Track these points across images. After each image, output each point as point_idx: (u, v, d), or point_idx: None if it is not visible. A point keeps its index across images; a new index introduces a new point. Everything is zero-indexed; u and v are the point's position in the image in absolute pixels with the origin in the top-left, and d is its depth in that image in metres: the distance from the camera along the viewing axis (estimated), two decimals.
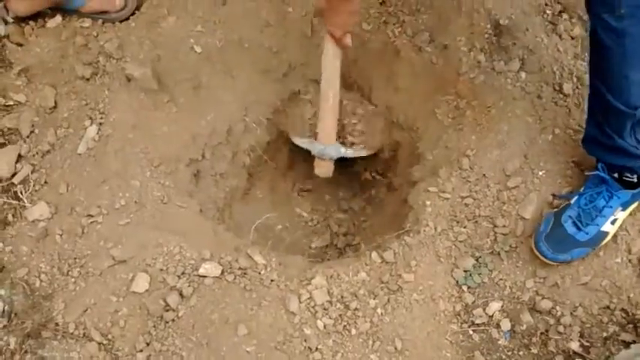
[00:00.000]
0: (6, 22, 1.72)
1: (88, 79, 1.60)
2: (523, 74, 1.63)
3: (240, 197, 1.79)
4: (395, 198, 1.77)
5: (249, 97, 1.76)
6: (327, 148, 1.72)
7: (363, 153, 1.78)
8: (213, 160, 1.69)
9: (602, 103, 1.36)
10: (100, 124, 1.54)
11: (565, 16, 1.76)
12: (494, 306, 1.44)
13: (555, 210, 1.49)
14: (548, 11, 1.77)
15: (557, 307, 1.43)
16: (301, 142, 1.77)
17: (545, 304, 1.43)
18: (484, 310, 1.44)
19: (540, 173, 1.52)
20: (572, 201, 1.47)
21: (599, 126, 1.39)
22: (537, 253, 1.45)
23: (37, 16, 1.72)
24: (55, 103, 1.60)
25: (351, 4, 1.44)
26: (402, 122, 1.75)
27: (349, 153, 1.75)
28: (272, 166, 1.86)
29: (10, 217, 1.48)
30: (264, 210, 1.81)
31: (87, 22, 1.70)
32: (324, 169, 1.76)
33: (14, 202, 1.50)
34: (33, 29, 1.71)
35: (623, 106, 1.32)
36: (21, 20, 1.72)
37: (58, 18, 1.72)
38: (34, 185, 1.51)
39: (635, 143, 1.38)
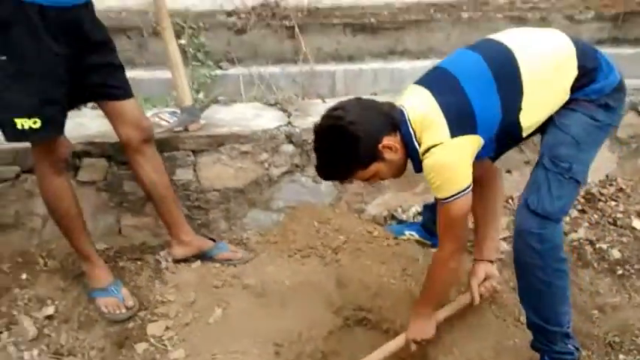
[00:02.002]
0: (167, 260, 2.91)
1: (218, 288, 2.70)
2: None
3: None
4: None
5: None
6: None
7: None
8: None
9: (538, 328, 2.24)
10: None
11: None
12: None
13: None
14: None
15: None
16: None
17: None
18: None
19: None
20: None
21: (540, 343, 2.29)
22: None
23: (185, 260, 2.90)
24: (195, 299, 2.66)
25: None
26: None
27: None
28: None
29: None
30: None
31: (217, 264, 2.87)
32: None
33: None
34: (182, 265, 2.88)
35: (556, 327, 2.20)
36: (175, 261, 2.90)
37: (198, 262, 2.90)
38: None
39: (564, 345, 2.25)
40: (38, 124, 2.20)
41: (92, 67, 2.37)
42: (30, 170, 2.79)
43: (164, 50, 2.98)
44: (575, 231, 3.15)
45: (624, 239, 3.11)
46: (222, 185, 3.05)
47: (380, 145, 2.01)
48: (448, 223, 2.10)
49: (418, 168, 2.12)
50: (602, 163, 3.53)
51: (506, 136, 2.16)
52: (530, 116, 2.11)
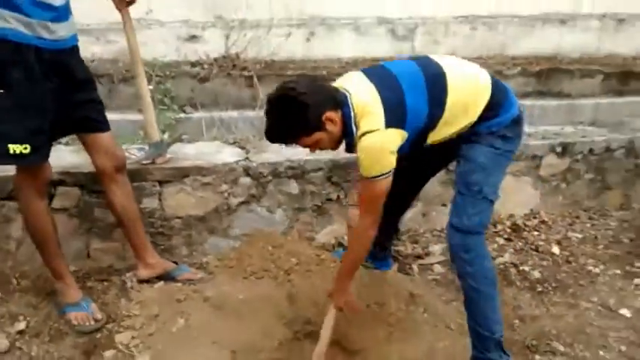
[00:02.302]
0: (132, 281, 3.17)
1: (180, 301, 2.97)
2: None
3: None
4: None
5: None
6: None
7: None
8: None
9: (474, 333, 2.57)
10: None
11: None
12: None
13: None
14: None
15: None
16: None
17: None
18: None
19: None
20: None
21: (477, 350, 2.58)
22: None
23: (149, 281, 3.17)
24: (158, 313, 2.92)
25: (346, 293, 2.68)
26: None
27: None
28: None
29: None
30: None
31: (179, 285, 3.15)
32: None
33: None
34: (146, 285, 3.15)
35: (487, 333, 2.50)
36: (140, 281, 3.16)
37: (161, 283, 3.17)
38: None
39: (499, 356, 2.49)
40: (28, 150, 2.51)
41: (77, 103, 2.71)
42: (7, 197, 3.09)
43: (134, 94, 3.33)
44: (502, 256, 3.55)
45: (544, 262, 3.52)
46: (185, 213, 3.36)
47: (324, 117, 2.32)
48: (371, 198, 2.44)
49: (349, 148, 2.49)
50: (527, 199, 3.98)
51: (416, 140, 2.51)
52: (440, 129, 2.49)
